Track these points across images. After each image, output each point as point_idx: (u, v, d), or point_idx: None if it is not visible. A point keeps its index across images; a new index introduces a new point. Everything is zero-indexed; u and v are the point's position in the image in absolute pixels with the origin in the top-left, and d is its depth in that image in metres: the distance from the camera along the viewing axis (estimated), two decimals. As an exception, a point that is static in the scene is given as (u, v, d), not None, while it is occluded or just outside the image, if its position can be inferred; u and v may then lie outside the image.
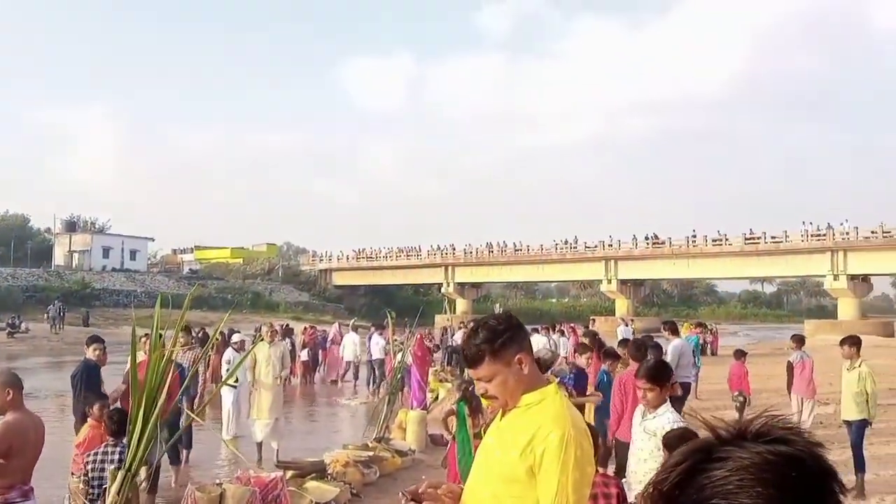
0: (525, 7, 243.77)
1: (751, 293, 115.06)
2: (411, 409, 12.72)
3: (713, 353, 31.19)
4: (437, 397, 15.56)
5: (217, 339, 16.89)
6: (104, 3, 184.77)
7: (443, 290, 70.05)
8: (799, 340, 12.09)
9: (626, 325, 23.56)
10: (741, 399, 12.08)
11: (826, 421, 12.19)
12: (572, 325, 27.08)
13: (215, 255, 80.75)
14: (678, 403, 10.92)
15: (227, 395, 11.77)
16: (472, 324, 2.80)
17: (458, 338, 17.81)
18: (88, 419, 7.06)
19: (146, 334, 8.17)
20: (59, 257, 65.80)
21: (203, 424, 9.72)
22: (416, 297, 73.27)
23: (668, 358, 9.94)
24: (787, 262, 56.63)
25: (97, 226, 75.30)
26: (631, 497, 4.69)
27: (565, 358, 14.77)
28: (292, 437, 12.52)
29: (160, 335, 5.18)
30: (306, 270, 77.41)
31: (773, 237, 56.65)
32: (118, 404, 9.01)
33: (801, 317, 78.19)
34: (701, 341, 22.75)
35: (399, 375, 12.73)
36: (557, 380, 2.79)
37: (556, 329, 20.78)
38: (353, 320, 24.81)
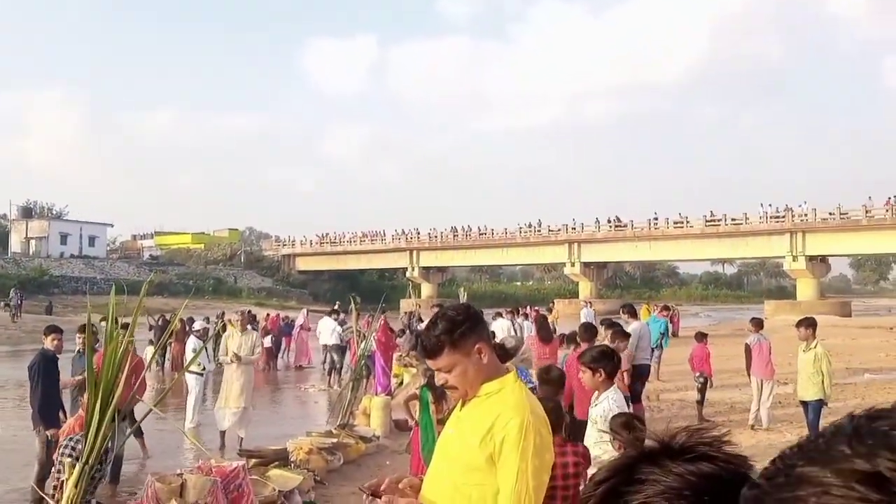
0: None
1: (712, 274, 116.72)
2: (375, 394, 12.71)
3: (674, 335, 31.58)
4: (401, 382, 15.56)
5: (177, 327, 16.74)
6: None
7: (408, 274, 70.01)
8: (757, 324, 12.27)
9: (588, 308, 23.73)
10: (702, 380, 12.23)
11: (785, 401, 12.42)
12: (536, 308, 27.25)
13: (176, 241, 79.76)
14: (639, 385, 11.09)
15: (193, 383, 11.66)
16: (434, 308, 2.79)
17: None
18: (80, 410, 6.99)
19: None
20: (15, 244, 64.52)
21: (163, 416, 9.61)
22: (381, 282, 73.10)
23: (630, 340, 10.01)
24: (748, 243, 57.44)
25: (54, 212, 73.84)
26: None
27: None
28: (255, 425, 12.41)
29: (126, 325, 5.09)
30: (269, 256, 76.79)
31: (733, 219, 57.36)
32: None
33: (761, 297, 79.62)
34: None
35: (363, 362, 12.69)
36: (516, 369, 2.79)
37: (521, 312, 20.88)
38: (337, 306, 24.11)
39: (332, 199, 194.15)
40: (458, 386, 2.54)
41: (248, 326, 11.74)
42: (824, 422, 9.14)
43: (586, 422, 5.25)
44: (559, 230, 64.94)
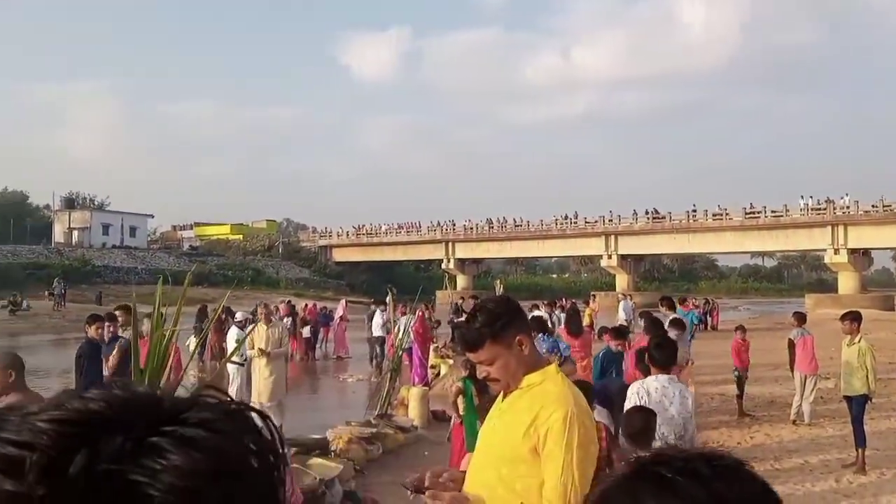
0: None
1: (751, 267, 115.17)
2: (413, 385, 12.77)
3: (713, 328, 31.31)
4: (438, 373, 15.62)
5: (218, 317, 17.00)
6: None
7: (443, 266, 70.05)
8: (800, 318, 12.10)
9: (627, 300, 23.55)
10: (737, 375, 12.12)
11: (827, 396, 12.23)
12: (573, 300, 27.11)
13: (215, 232, 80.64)
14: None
15: (235, 373, 11.79)
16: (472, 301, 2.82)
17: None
18: None
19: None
20: (58, 234, 65.68)
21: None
22: (417, 274, 73.27)
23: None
24: (788, 236, 56.59)
25: (96, 203, 75.17)
26: None
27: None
28: (295, 413, 12.55)
29: (161, 314, 5.17)
30: (307, 247, 77.24)
31: (773, 211, 56.56)
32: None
33: (801, 291, 78.27)
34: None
35: (400, 352, 12.77)
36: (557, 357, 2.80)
37: (558, 305, 20.75)
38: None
39: (368, 190, 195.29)
40: (500, 378, 2.55)
41: (273, 318, 11.38)
42: (867, 417, 9.01)
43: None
44: (596, 222, 64.51)
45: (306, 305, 25.65)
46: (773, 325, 29.71)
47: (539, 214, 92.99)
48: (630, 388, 5.34)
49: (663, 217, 61.58)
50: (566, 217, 66.68)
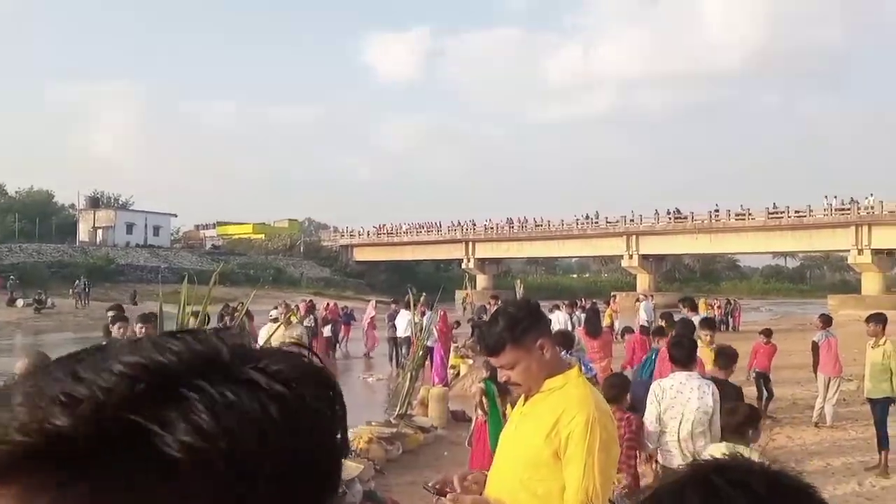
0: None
1: (773, 268, 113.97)
2: (433, 385, 12.80)
3: (735, 329, 31.04)
4: (458, 374, 15.62)
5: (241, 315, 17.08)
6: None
7: (463, 265, 70.03)
8: (825, 321, 12.02)
9: (648, 301, 23.45)
10: (758, 377, 12.03)
11: (850, 398, 12.12)
12: (593, 300, 27.02)
13: (237, 231, 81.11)
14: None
15: None
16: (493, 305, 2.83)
17: None
18: None
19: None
20: (83, 233, 66.31)
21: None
22: (437, 273, 73.28)
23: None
24: (811, 236, 56.08)
25: (120, 202, 75.86)
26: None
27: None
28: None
29: (196, 313, 5.24)
30: (327, 246, 77.53)
31: (796, 212, 56.08)
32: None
33: (824, 292, 77.41)
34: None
35: (421, 352, 12.79)
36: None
37: (578, 306, 20.66)
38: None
39: (388, 189, 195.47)
40: (521, 382, 2.56)
41: (293, 320, 11.25)
42: (890, 420, 8.93)
43: None
44: (617, 222, 64.26)
45: (328, 304, 25.74)
46: (795, 327, 29.41)
47: (560, 214, 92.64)
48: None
49: (685, 217, 61.21)
50: (587, 217, 66.47)
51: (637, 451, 5.63)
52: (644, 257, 63.36)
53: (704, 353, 6.89)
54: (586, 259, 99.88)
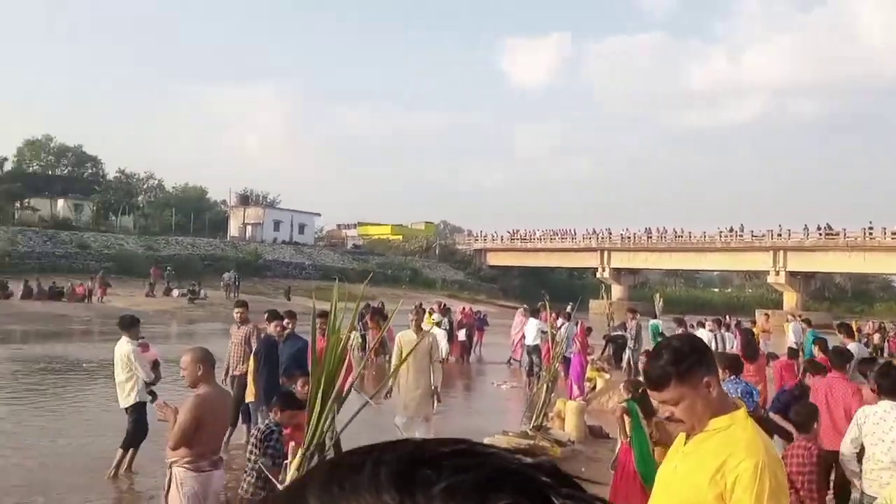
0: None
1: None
2: (570, 397, 12.60)
3: (891, 355, 29.07)
4: (594, 387, 15.35)
5: (372, 313, 17.47)
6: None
7: (598, 274, 68.90)
8: None
9: (797, 322, 22.17)
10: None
11: None
12: (738, 319, 25.88)
13: (377, 232, 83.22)
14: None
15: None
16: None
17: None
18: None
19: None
20: (233, 229, 69.66)
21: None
22: (571, 281, 72.47)
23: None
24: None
25: (268, 200, 79.36)
26: None
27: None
28: (450, 416, 12.71)
29: (361, 314, 5.34)
30: (462, 249, 78.30)
31: (963, 230, 51.85)
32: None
33: None
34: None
35: (556, 364, 12.62)
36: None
37: (723, 324, 19.59)
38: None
39: (523, 195, 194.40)
40: (685, 420, 2.48)
41: (424, 326, 10.14)
42: None
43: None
44: (763, 236, 61.53)
45: (463, 308, 25.93)
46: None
47: (701, 225, 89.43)
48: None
49: (837, 233, 57.83)
50: (731, 229, 63.98)
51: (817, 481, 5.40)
52: (792, 274, 60.31)
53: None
54: (729, 273, 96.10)
